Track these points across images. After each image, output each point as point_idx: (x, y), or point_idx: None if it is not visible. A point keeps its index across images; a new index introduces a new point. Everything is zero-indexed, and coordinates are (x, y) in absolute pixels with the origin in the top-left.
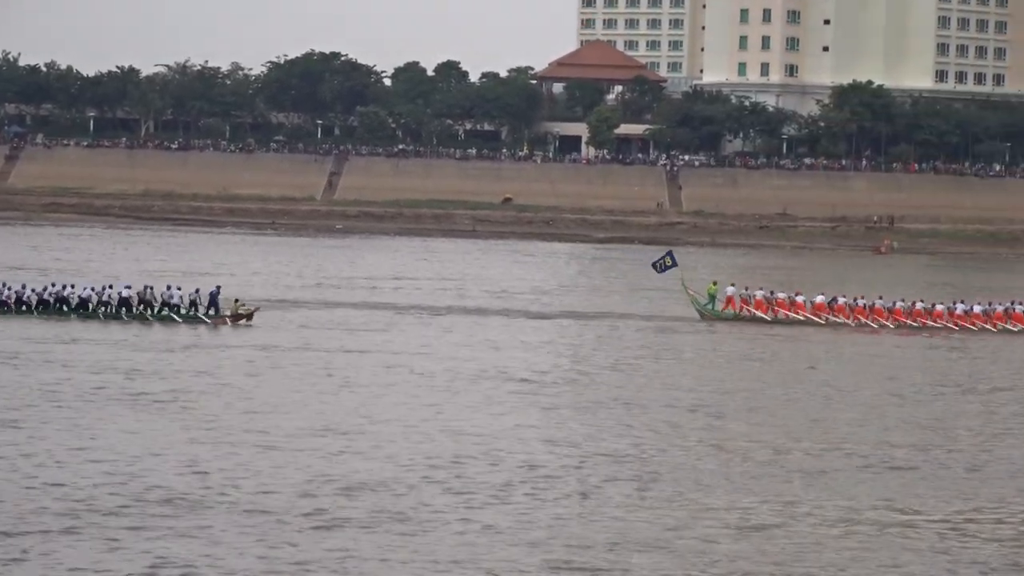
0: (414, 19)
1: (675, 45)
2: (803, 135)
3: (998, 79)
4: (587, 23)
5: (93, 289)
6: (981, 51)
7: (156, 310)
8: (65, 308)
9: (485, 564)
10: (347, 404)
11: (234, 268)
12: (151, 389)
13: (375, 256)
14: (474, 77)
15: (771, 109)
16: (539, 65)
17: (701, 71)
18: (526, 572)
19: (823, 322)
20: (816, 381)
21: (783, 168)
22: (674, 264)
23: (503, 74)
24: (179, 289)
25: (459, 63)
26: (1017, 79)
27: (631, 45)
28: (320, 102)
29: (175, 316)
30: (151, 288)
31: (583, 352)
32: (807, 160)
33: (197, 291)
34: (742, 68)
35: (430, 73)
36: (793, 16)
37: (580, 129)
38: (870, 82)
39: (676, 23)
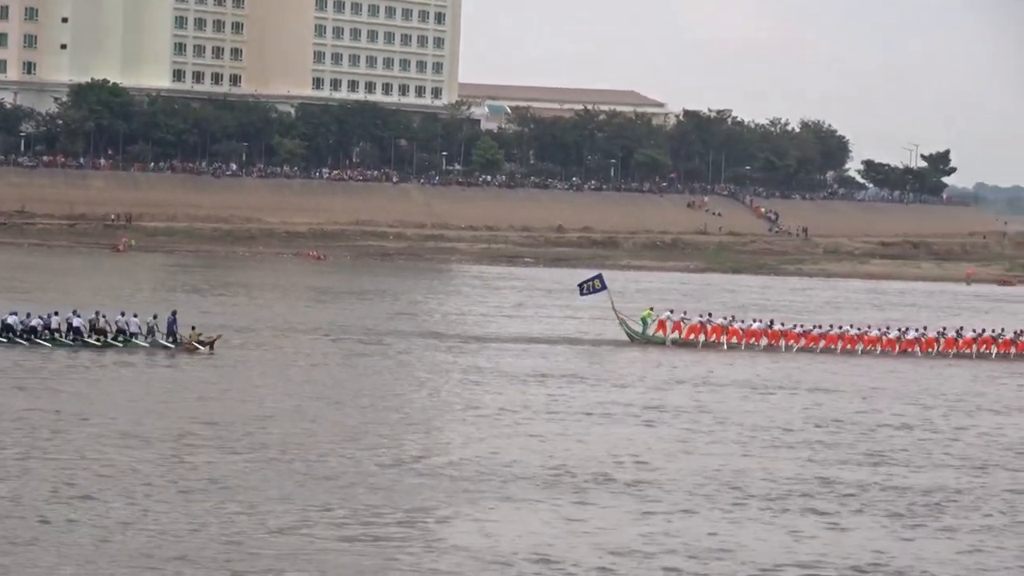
0: None
1: None
2: (41, 133)
3: (235, 79)
4: None
5: (41, 317)
6: (218, 51)
7: (111, 337)
8: (10, 336)
9: None
10: None
11: None
12: None
13: None
14: None
15: (9, 106)
16: None
17: None
18: None
19: (750, 345)
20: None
21: (21, 166)
22: (603, 287)
23: None
24: (135, 316)
25: None
26: (254, 80)
27: None
28: None
29: (139, 342)
30: (103, 315)
31: None
32: (45, 158)
33: (155, 317)
34: None
35: None
36: (31, 13)
37: None
38: (107, 81)
39: None
